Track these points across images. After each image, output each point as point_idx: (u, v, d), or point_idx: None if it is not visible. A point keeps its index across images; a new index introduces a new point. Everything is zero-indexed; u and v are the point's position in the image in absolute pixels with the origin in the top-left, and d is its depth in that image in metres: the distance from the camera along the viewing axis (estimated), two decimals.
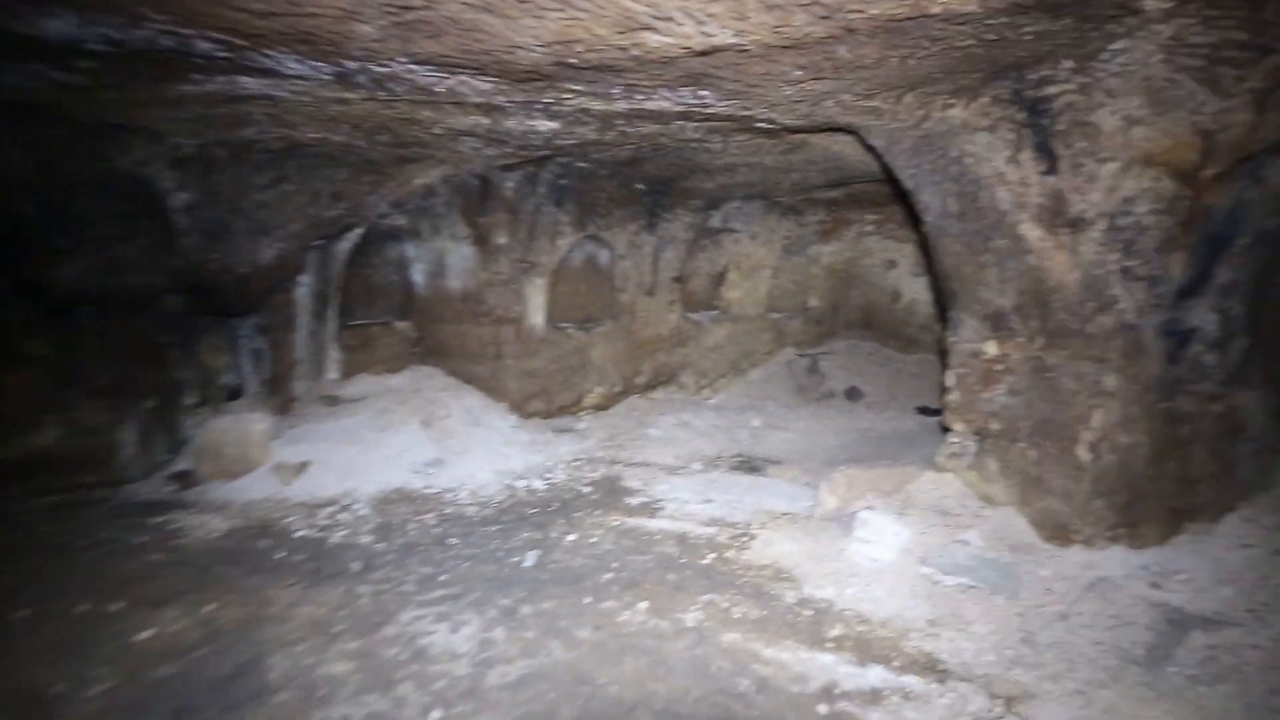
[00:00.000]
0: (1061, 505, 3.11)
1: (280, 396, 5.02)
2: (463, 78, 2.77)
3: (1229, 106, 2.28)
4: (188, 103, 3.09)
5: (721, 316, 7.00)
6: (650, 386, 6.49)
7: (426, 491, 4.34)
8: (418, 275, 5.98)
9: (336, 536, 3.64)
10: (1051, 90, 2.68)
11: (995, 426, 3.42)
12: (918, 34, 2.28)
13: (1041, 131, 2.81)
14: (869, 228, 7.56)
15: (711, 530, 3.74)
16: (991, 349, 3.41)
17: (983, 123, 3.02)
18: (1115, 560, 2.88)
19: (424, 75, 2.74)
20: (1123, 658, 2.42)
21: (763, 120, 3.72)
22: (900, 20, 2.14)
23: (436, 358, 5.94)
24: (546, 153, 4.62)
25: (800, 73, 2.73)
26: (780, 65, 2.63)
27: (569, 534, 3.72)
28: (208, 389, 4.59)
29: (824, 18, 2.08)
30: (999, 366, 3.39)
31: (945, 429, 3.74)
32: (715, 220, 6.60)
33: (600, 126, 3.82)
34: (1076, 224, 2.84)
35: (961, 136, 3.15)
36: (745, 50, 2.39)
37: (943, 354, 7.21)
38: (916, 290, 7.39)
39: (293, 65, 2.61)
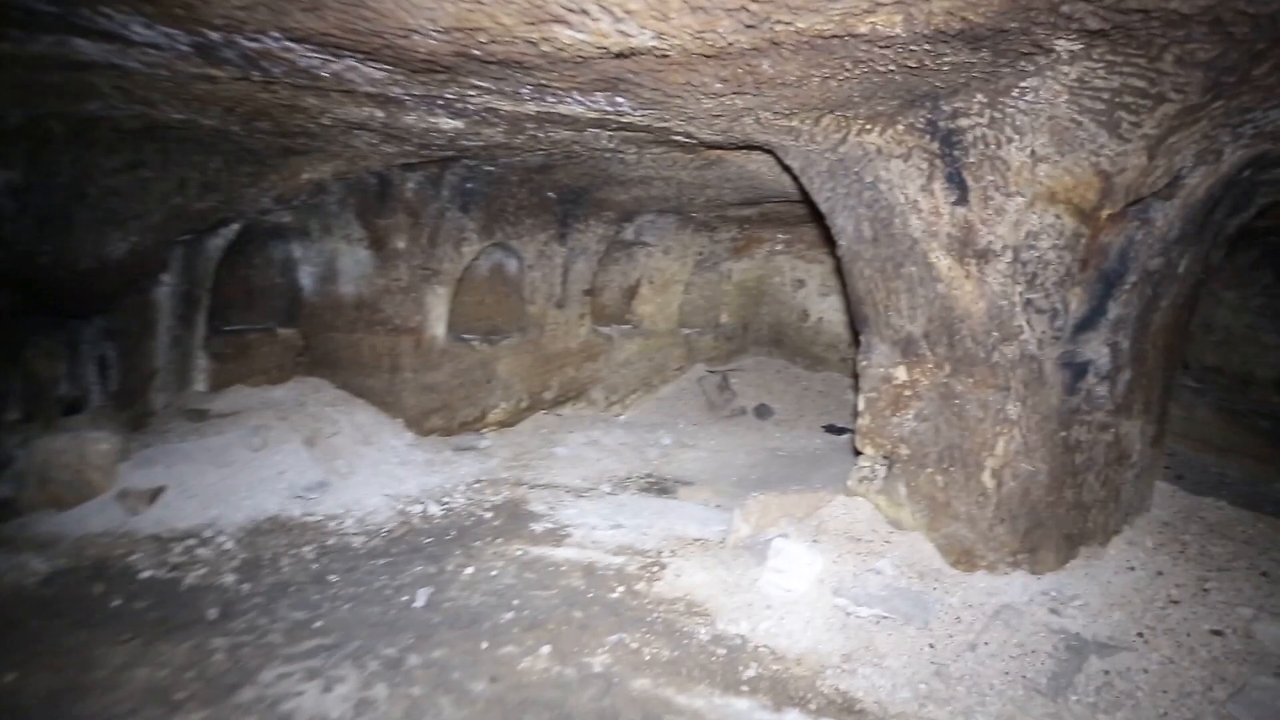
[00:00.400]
0: (967, 531, 3.13)
1: (133, 410, 4.38)
2: (350, 62, 2.45)
3: (1125, 150, 2.35)
4: (8, 65, 2.58)
5: (633, 331, 6.85)
6: (559, 402, 6.23)
7: (307, 519, 3.89)
8: (306, 278, 5.45)
9: (192, 577, 3.15)
10: (964, 122, 2.69)
11: (905, 451, 3.42)
12: (842, 54, 2.20)
13: (953, 162, 2.82)
14: (779, 247, 7.66)
15: (620, 560, 3.54)
16: (901, 374, 3.42)
17: (898, 150, 3.02)
18: (1017, 586, 2.91)
19: (305, 56, 2.40)
20: (1029, 688, 2.41)
21: (680, 134, 3.59)
22: (827, 37, 2.05)
23: (325, 369, 5.42)
24: (451, 154, 4.31)
25: (721, 85, 2.61)
26: (701, 76, 2.49)
27: (467, 566, 3.41)
28: (37, 401, 3.92)
29: (750, 26, 1.95)
30: (908, 392, 3.40)
31: (856, 452, 3.73)
32: (628, 233, 6.46)
33: (509, 129, 3.56)
34: (984, 255, 2.87)
35: (877, 162, 3.14)
36: (665, 56, 2.23)
37: (853, 374, 7.40)
38: (824, 309, 7.54)
39: (140, 30, 2.20)
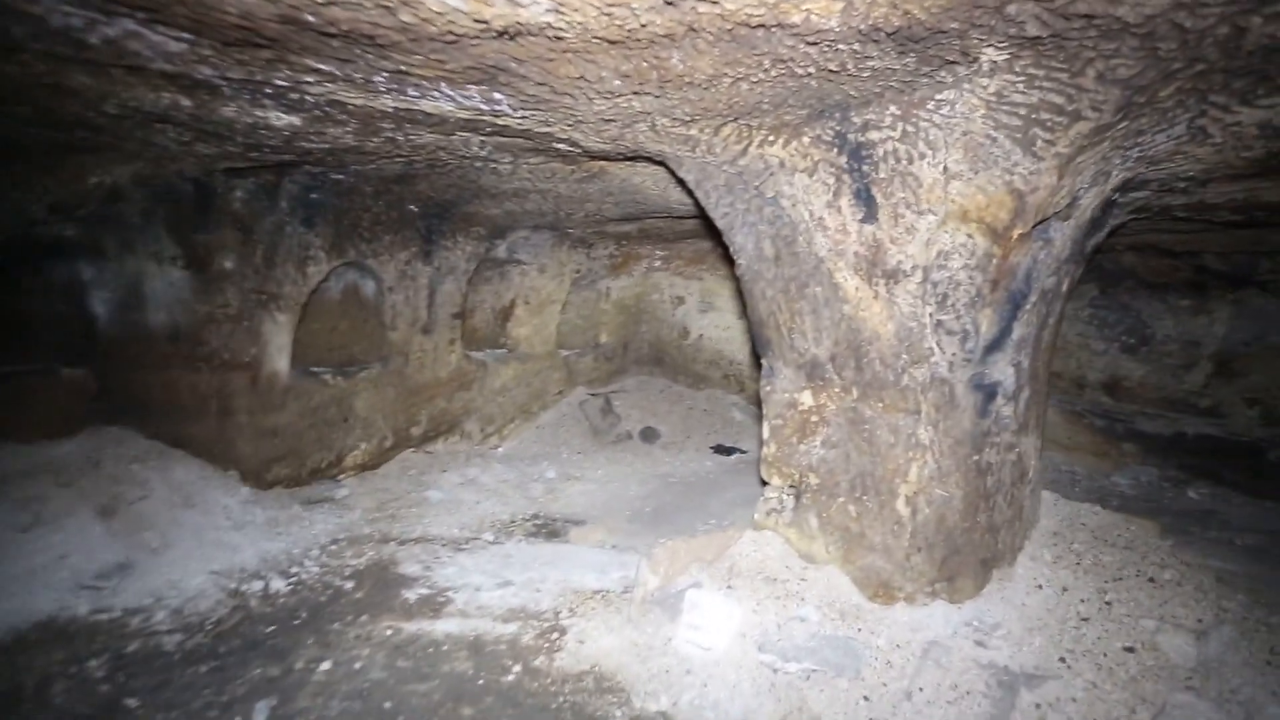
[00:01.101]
0: (883, 562, 2.96)
1: None
2: (130, 25, 1.80)
3: (1038, 169, 2.27)
4: None
5: (508, 355, 6.30)
6: (429, 438, 5.54)
7: (98, 619, 3.00)
8: (100, 306, 4.40)
9: None
10: (875, 135, 2.51)
11: (814, 480, 3.21)
12: (764, 49, 1.91)
13: (862, 178, 2.65)
14: (658, 263, 7.45)
15: (513, 628, 3.03)
16: (808, 399, 3.22)
17: (802, 164, 2.81)
18: (939, 618, 2.77)
19: (57, 9, 1.72)
20: None
21: (563, 141, 3.18)
22: (753, 27, 1.73)
23: (130, 417, 4.39)
24: (289, 158, 3.58)
25: (620, 82, 2.23)
26: (599, 69, 2.10)
27: (321, 660, 2.75)
28: None
29: (669, 4, 1.59)
30: (815, 418, 3.20)
31: (763, 482, 3.48)
32: (501, 250, 5.92)
33: (360, 129, 2.96)
34: (894, 275, 2.72)
35: (779, 177, 2.92)
36: (561, 38, 1.81)
37: (738, 391, 7.31)
38: (704, 326, 7.41)
39: None
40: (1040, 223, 2.49)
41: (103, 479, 3.81)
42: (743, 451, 6.01)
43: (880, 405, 2.95)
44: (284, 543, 3.85)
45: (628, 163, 3.77)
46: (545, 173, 4.06)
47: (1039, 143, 2.19)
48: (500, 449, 5.98)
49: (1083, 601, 2.81)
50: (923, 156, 2.44)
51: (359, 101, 2.50)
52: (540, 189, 4.46)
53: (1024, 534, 3.15)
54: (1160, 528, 3.42)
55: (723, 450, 6.04)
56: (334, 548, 3.86)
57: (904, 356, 2.83)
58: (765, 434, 3.42)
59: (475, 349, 6.21)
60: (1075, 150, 2.20)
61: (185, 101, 2.53)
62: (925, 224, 2.56)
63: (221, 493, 4.17)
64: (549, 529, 4.34)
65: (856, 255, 2.81)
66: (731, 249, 3.34)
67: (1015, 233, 2.42)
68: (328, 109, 2.61)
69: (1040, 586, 2.92)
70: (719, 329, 7.32)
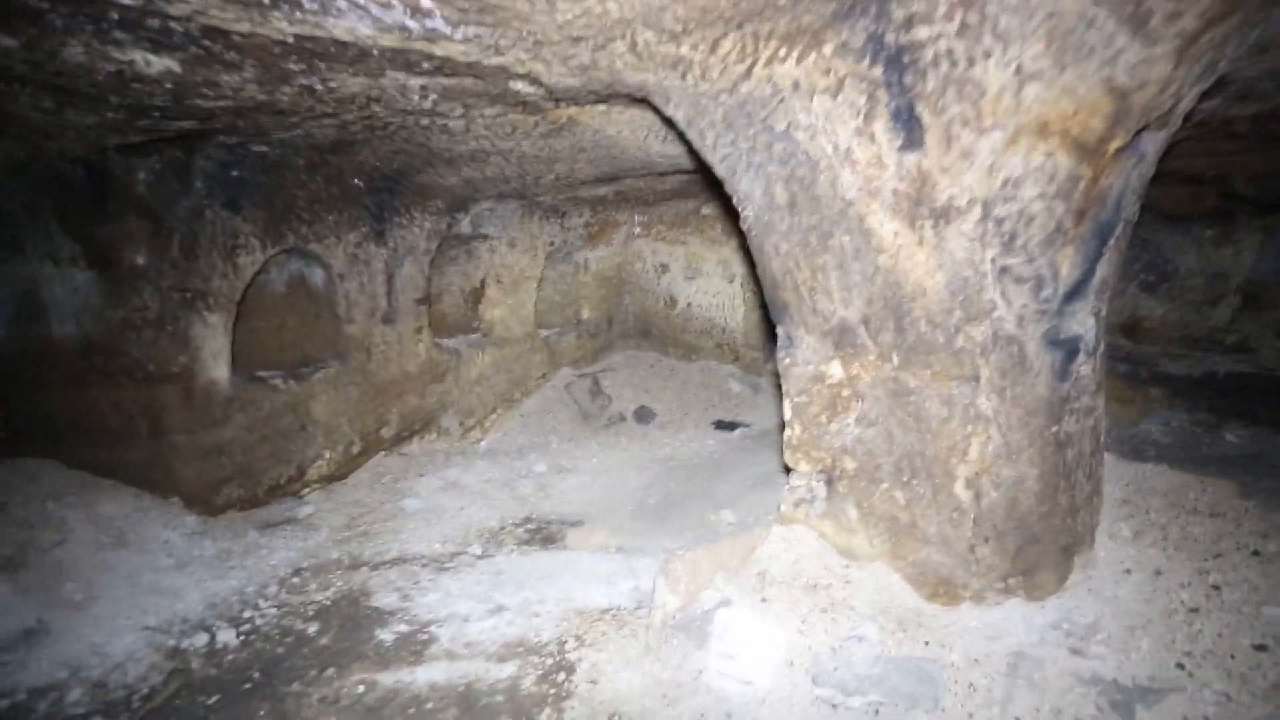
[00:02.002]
0: (942, 556, 2.47)
1: None
2: None
3: (1150, 56, 1.71)
4: None
5: (483, 341, 5.68)
6: (402, 439, 4.94)
7: None
8: None
9: None
10: (922, 33, 1.93)
11: (850, 464, 2.70)
12: None
13: (903, 93, 2.07)
14: (638, 230, 6.83)
15: (511, 669, 2.50)
16: (836, 371, 2.68)
17: (823, 83, 2.22)
18: (1018, 621, 2.29)
19: None
20: None
21: (522, 77, 2.56)
22: None
23: (44, 446, 3.74)
24: (190, 124, 2.91)
25: None
26: None
27: None
28: None
29: None
30: (847, 391, 2.68)
31: (786, 469, 2.97)
32: (464, 225, 5.26)
33: (263, 75, 2.31)
34: (944, 214, 2.17)
35: (793, 103, 2.33)
36: None
37: (733, 361, 6.77)
38: (692, 294, 6.84)
39: None
40: (1140, 131, 1.95)
41: (7, 526, 3.18)
42: (746, 426, 5.51)
43: (928, 373, 2.43)
44: (236, 580, 3.27)
45: (602, 107, 3.15)
46: (505, 128, 3.43)
47: (1157, 18, 1.63)
48: (483, 444, 5.41)
49: (1184, 587, 2.35)
50: (988, 55, 1.87)
51: (243, 26, 1.84)
52: (501, 149, 3.82)
53: (1099, 508, 2.67)
54: (1238, 487, 2.97)
55: (724, 426, 5.53)
56: (296, 580, 3.28)
57: (957, 313, 2.30)
58: (787, 414, 2.89)
59: (446, 336, 5.59)
60: (1204, 24, 1.65)
61: (7, 42, 1.85)
62: (988, 145, 2.01)
63: (161, 525, 3.56)
64: (544, 534, 3.80)
65: (895, 193, 2.24)
66: (735, 199, 2.76)
67: (1111, 146, 1.87)
68: (206, 43, 1.95)
69: (1129, 571, 2.46)
70: (708, 295, 6.76)
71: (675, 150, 3.82)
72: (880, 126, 2.15)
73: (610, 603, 2.93)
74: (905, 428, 2.53)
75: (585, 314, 6.79)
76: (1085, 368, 2.32)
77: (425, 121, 3.28)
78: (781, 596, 2.52)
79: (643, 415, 5.83)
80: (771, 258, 2.71)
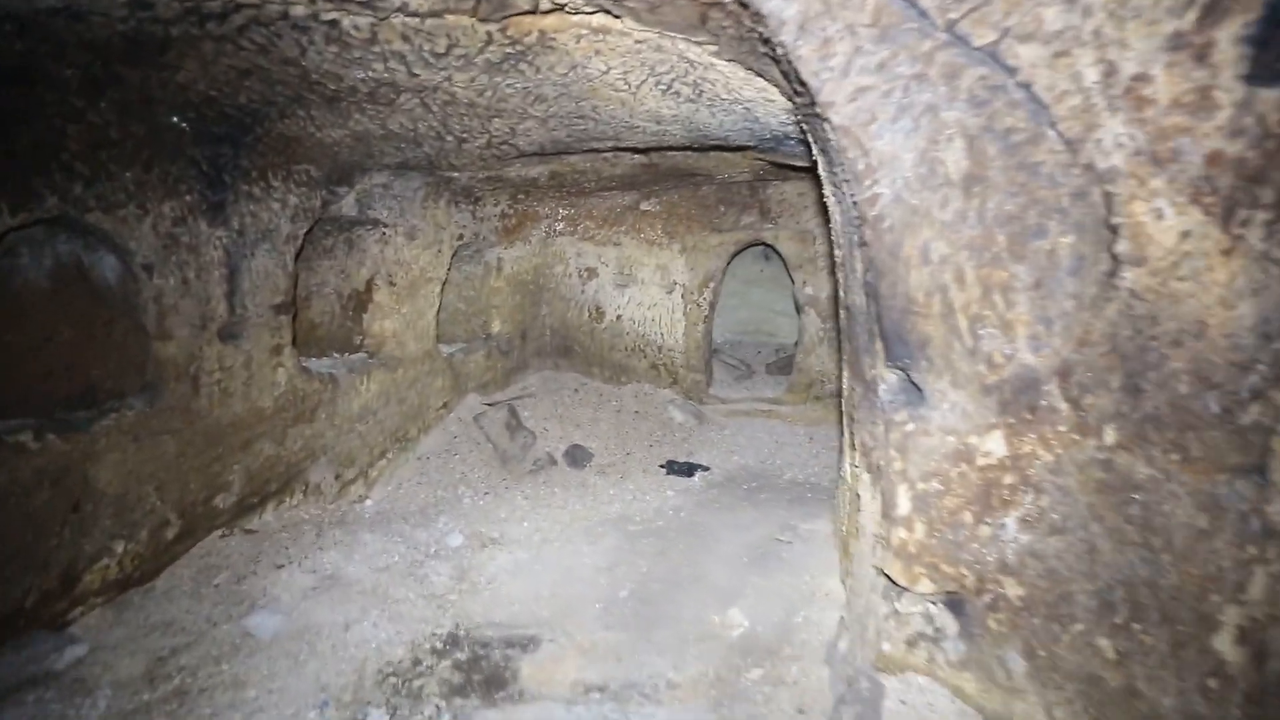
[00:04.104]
0: None
1: None
2: None
3: None
4: None
5: (369, 362, 4.16)
6: (250, 507, 3.33)
7: None
8: None
9: None
10: None
11: (1013, 590, 1.72)
12: None
13: None
14: (560, 225, 5.59)
15: None
16: (997, 446, 1.70)
17: None
18: None
19: None
20: None
21: None
22: None
23: None
24: None
25: None
26: None
27: None
28: None
29: None
30: (1011, 478, 1.70)
31: (890, 581, 1.93)
32: (347, 205, 3.74)
33: None
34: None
35: None
36: None
37: (689, 393, 5.65)
38: (623, 305, 5.69)
39: None
40: None
41: None
42: (704, 469, 4.45)
43: (1176, 458, 1.49)
44: None
45: (600, 19, 1.95)
46: (435, 42, 2.11)
47: None
48: (368, 503, 3.89)
49: None
50: None
51: None
52: (419, 83, 2.48)
53: None
54: None
55: (679, 470, 4.43)
56: None
57: (1260, 369, 1.37)
58: (901, 505, 1.86)
59: (318, 356, 4.01)
60: None
61: None
62: None
63: None
64: (483, 670, 2.47)
65: (1214, 162, 1.28)
66: (857, 169, 1.68)
67: None
68: None
69: None
70: (642, 308, 5.65)
71: (680, 110, 2.68)
72: (1226, 36, 1.16)
73: None
74: (1122, 541, 1.58)
75: (496, 326, 5.41)
76: None
77: (301, 11, 1.89)
78: None
79: (576, 457, 4.59)
80: (912, 265, 1.66)
